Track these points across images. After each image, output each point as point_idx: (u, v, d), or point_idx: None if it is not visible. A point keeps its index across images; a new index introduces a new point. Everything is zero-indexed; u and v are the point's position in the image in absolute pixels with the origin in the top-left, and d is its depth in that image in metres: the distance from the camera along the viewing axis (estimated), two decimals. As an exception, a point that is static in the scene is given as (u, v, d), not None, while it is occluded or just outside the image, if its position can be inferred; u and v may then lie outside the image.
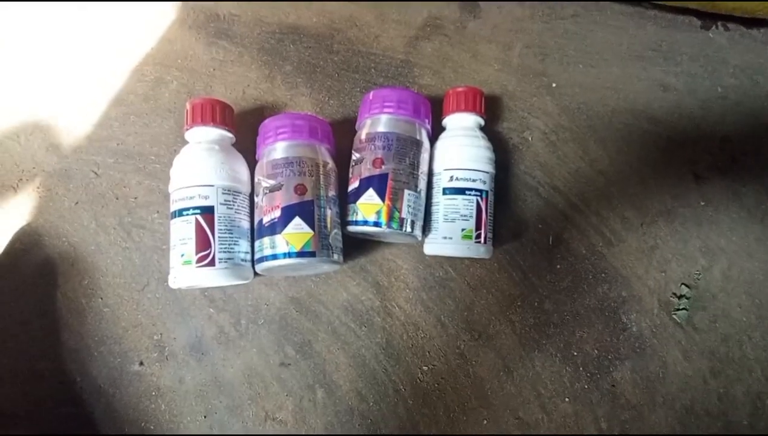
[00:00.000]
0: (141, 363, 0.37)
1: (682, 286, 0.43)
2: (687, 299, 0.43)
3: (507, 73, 0.45)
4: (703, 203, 0.44)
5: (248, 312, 0.38)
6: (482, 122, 0.39)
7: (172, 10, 0.42)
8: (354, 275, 0.40)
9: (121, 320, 0.37)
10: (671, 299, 0.43)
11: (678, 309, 0.43)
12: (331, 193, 0.34)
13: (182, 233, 0.32)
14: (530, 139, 0.44)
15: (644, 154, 0.44)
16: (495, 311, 0.41)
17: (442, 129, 0.40)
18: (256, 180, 0.34)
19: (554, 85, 0.45)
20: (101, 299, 0.38)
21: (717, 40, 0.48)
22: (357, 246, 0.40)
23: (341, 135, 0.39)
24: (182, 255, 0.31)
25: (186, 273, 0.31)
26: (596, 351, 0.41)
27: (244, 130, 0.38)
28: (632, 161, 0.44)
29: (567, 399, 0.40)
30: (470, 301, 0.41)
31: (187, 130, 0.35)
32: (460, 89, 0.38)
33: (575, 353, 0.41)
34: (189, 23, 0.42)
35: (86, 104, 0.40)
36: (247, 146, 0.37)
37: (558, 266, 0.42)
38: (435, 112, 0.40)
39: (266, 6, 0.44)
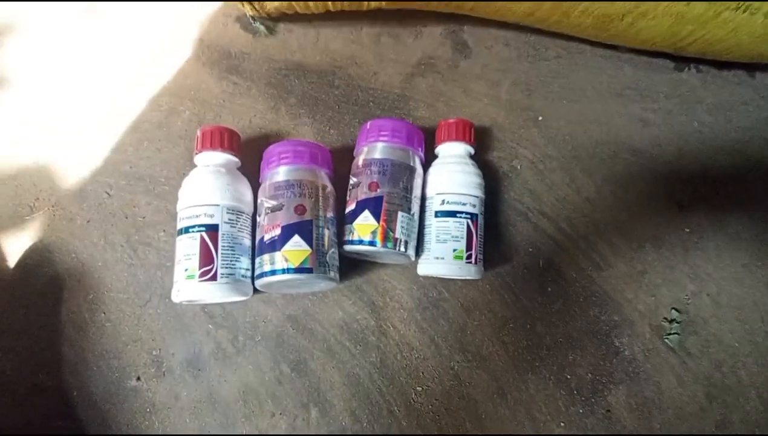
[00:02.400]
0: (138, 378, 0.38)
1: (673, 310, 0.44)
2: (678, 323, 0.43)
3: (496, 107, 0.48)
4: (687, 230, 0.46)
5: (246, 329, 0.39)
6: (472, 151, 0.42)
7: (188, 48, 0.47)
8: (350, 295, 0.41)
9: (121, 334, 0.38)
10: (662, 323, 0.43)
11: (670, 333, 0.43)
12: (330, 214, 0.36)
13: (187, 249, 0.33)
14: (519, 167, 0.46)
15: (628, 183, 0.47)
16: (488, 332, 0.42)
17: (435, 157, 0.42)
18: (258, 201, 0.37)
19: (540, 118, 0.48)
20: (104, 313, 0.39)
21: (690, 80, 0.52)
22: (353, 266, 0.41)
23: (340, 162, 0.41)
24: (186, 270, 0.33)
25: (189, 287, 0.33)
26: (590, 375, 0.42)
27: (250, 156, 0.41)
28: (617, 190, 0.46)
29: (562, 423, 0.40)
30: (463, 322, 0.42)
31: (196, 154, 0.37)
32: (451, 120, 0.41)
33: (569, 376, 0.41)
34: (203, 60, 0.46)
35: (104, 130, 0.44)
36: (251, 171, 0.40)
37: (549, 289, 0.43)
38: (429, 142, 0.42)
39: (274, 45, 0.48)
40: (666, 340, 0.43)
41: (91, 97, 0.45)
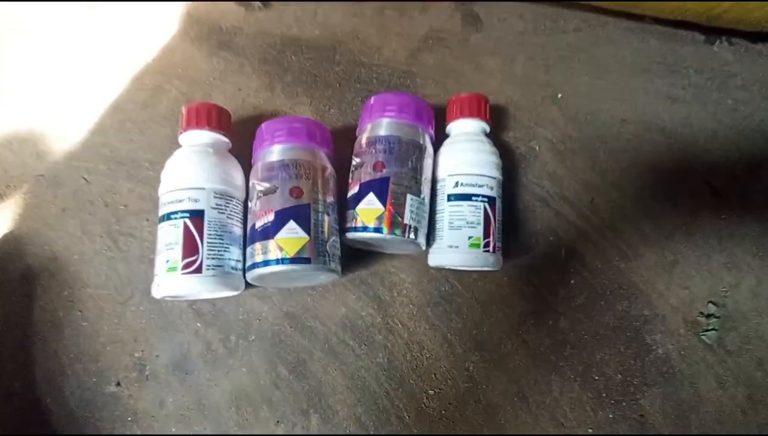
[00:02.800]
0: (118, 384, 0.34)
1: (710, 304, 0.40)
2: (716, 317, 0.39)
3: (511, 84, 0.44)
4: (723, 217, 0.42)
5: (239, 327, 0.36)
6: (487, 128, 0.38)
7: (175, 22, 0.43)
8: (353, 289, 0.37)
9: (100, 335, 0.35)
10: (698, 318, 0.39)
11: (707, 330, 0.39)
12: (330, 199, 0.32)
13: (169, 238, 0.30)
14: (537, 148, 0.42)
15: (657, 165, 0.43)
16: (506, 329, 0.38)
17: (446, 138, 0.39)
18: (250, 184, 0.33)
19: (560, 95, 0.44)
20: (80, 312, 0.35)
21: (722, 54, 0.47)
22: (357, 258, 0.37)
23: (342, 145, 0.37)
24: (167, 261, 0.29)
25: (170, 281, 0.29)
26: (620, 375, 0.38)
27: (243, 138, 0.37)
28: (644, 173, 0.42)
29: (590, 429, 0.36)
30: (479, 318, 0.38)
31: (181, 133, 0.33)
32: (463, 95, 0.37)
33: (596, 377, 0.37)
34: (192, 35, 0.42)
35: (83, 111, 0.40)
36: (244, 154, 0.36)
37: (572, 281, 0.39)
38: (438, 122, 0.38)
39: (269, 19, 0.44)
40: (703, 336, 0.39)
41: (69, 75, 0.41)
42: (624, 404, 0.37)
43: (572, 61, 0.46)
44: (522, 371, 0.37)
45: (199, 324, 0.35)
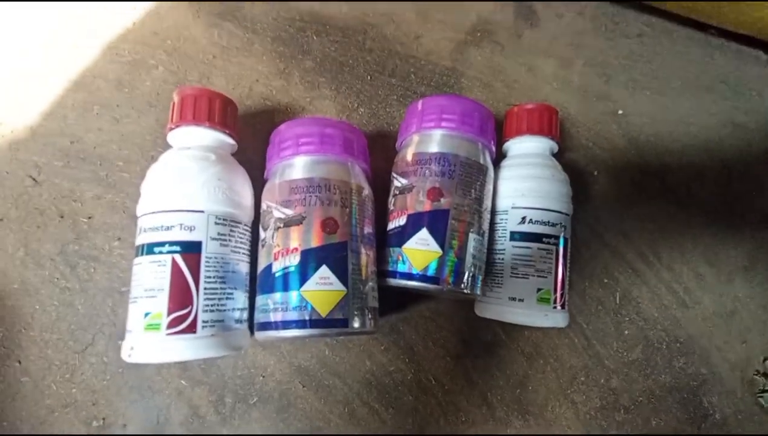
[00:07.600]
0: (71, 462, 0.26)
1: (766, 361, 0.36)
2: (776, 378, 0.35)
3: (567, 94, 0.38)
4: (783, 261, 0.38)
5: (236, 386, 0.28)
6: (555, 148, 0.31)
7: (164, -21, 0.33)
8: (382, 338, 0.30)
9: (45, 395, 0.26)
10: (755, 377, 0.35)
11: (764, 390, 0.35)
12: (367, 229, 0.25)
13: (150, 281, 0.21)
14: (596, 173, 0.36)
15: (717, 199, 0.38)
16: (554, 388, 0.32)
17: (502, 156, 0.32)
18: (263, 206, 0.25)
19: (620, 112, 0.39)
20: (19, 362, 0.26)
21: (785, 78, 0.43)
22: (386, 298, 0.30)
23: (372, 153, 0.30)
24: (146, 315, 0.21)
25: (150, 344, 0.21)
26: (675, 444, 0.33)
27: (247, 137, 0.29)
28: (705, 206, 0.38)
29: None
30: (524, 374, 0.32)
31: (171, 130, 0.25)
32: (530, 106, 0.30)
33: (651, 447, 0.33)
34: (186, -3, 0.33)
35: (34, 86, 0.30)
36: (249, 158, 0.28)
37: (626, 332, 0.34)
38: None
39: (286, -14, 0.35)
40: (759, 399, 0.35)
41: (16, 37, 0.31)
42: (679, 478, 0.32)
43: (634, 71, 0.40)
44: (570, 438, 0.32)
45: (183, 382, 0.27)
